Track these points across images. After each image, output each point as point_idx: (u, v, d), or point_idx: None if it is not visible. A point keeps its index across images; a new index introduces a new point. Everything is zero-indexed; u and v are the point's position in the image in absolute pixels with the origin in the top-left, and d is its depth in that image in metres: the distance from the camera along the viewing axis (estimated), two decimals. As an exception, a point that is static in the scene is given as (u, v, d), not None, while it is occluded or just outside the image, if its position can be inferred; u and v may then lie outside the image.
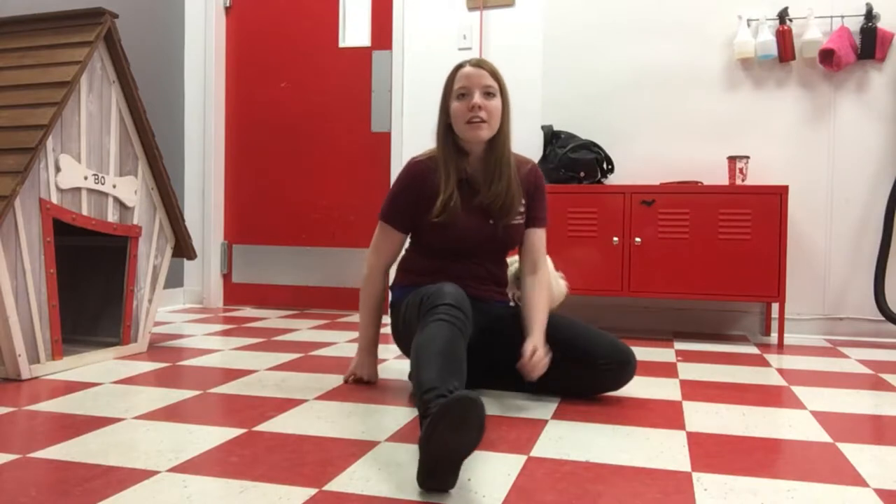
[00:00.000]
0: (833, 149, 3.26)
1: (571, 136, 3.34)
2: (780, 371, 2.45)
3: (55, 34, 2.36)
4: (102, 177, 2.40)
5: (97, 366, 2.35)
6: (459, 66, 1.99)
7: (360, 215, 3.89)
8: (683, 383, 2.22)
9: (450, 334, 1.59)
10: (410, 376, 2.13)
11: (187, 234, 2.77)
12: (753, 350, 2.88)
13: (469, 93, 1.95)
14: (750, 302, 3.23)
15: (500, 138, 2.01)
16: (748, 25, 3.29)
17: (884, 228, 3.15)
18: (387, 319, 2.64)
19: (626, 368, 1.93)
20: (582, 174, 3.23)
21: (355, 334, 3.10)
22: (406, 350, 2.05)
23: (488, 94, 1.95)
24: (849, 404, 1.99)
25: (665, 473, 1.39)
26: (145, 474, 1.34)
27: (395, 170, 3.76)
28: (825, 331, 3.29)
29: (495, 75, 1.98)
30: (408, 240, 2.17)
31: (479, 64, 1.97)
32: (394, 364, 2.44)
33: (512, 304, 2.19)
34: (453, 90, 1.98)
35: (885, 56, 3.19)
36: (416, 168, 2.01)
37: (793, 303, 3.30)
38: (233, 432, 1.62)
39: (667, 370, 2.42)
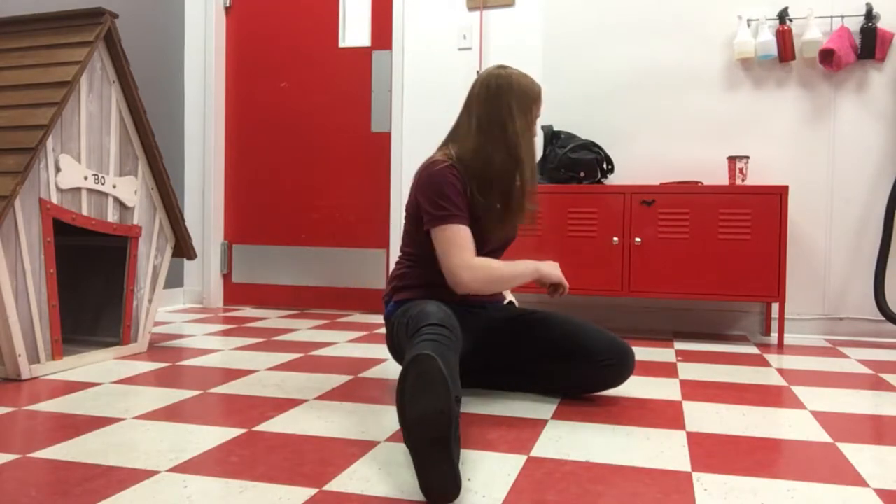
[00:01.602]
0: (833, 149, 3.26)
1: (571, 136, 3.34)
2: (780, 371, 2.45)
3: (55, 34, 2.36)
4: (102, 177, 2.40)
5: (97, 366, 2.35)
6: (540, 89, 2.03)
7: (360, 215, 3.89)
8: (683, 383, 2.22)
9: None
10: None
11: (187, 234, 2.77)
12: (753, 350, 2.88)
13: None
14: (750, 302, 3.23)
15: None
16: (748, 25, 3.29)
17: (884, 228, 3.15)
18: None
19: (624, 364, 1.93)
20: (582, 174, 3.23)
21: (355, 334, 3.10)
22: (400, 361, 2.05)
23: None
24: (849, 404, 1.99)
25: (665, 473, 1.39)
26: (145, 474, 1.34)
27: (395, 170, 3.76)
28: (825, 331, 3.29)
29: None
30: (396, 255, 2.14)
31: None
32: (394, 364, 2.44)
33: (506, 301, 2.19)
34: (536, 113, 2.01)
35: (885, 56, 3.19)
36: (455, 171, 1.93)
37: (793, 303, 3.30)
38: (233, 432, 1.62)
39: (667, 370, 2.42)
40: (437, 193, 1.90)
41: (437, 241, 1.90)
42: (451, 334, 1.61)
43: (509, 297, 2.32)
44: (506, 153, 1.95)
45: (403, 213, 3.80)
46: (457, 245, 1.87)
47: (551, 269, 2.01)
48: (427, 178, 1.92)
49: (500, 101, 1.96)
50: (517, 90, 1.97)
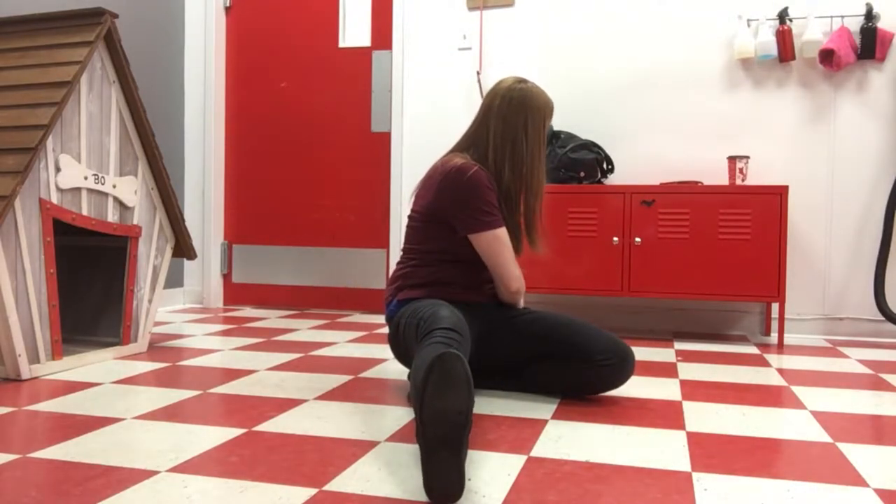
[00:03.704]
0: (833, 149, 3.26)
1: (571, 136, 3.34)
2: (780, 371, 2.45)
3: (55, 34, 2.36)
4: (102, 177, 2.41)
5: (97, 366, 2.35)
6: (553, 106, 2.07)
7: (360, 215, 3.90)
8: (683, 383, 2.22)
9: None
10: (410, 377, 2.14)
11: (187, 234, 2.77)
12: (753, 350, 2.88)
13: None
14: (750, 302, 3.23)
15: None
16: (748, 25, 3.29)
17: (884, 228, 3.15)
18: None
19: (624, 364, 1.93)
20: (582, 174, 3.23)
21: (355, 334, 3.10)
22: (404, 362, 2.05)
23: None
24: (849, 404, 1.99)
25: (665, 473, 1.39)
26: (145, 474, 1.34)
27: (395, 170, 3.76)
28: (825, 331, 3.29)
29: None
30: (396, 255, 2.17)
31: None
32: (394, 364, 2.44)
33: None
34: (547, 128, 2.05)
35: (885, 56, 3.19)
36: (484, 173, 1.95)
37: (793, 303, 3.30)
38: (233, 432, 1.62)
39: (667, 370, 2.42)
40: (479, 198, 1.93)
41: (487, 245, 1.96)
42: (463, 340, 1.62)
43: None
44: (511, 171, 2.00)
45: (404, 213, 3.80)
46: (510, 252, 1.99)
47: None
48: (465, 182, 1.92)
49: (517, 118, 2.00)
50: (534, 107, 2.02)
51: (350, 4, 3.91)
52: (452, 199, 1.94)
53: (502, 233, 1.97)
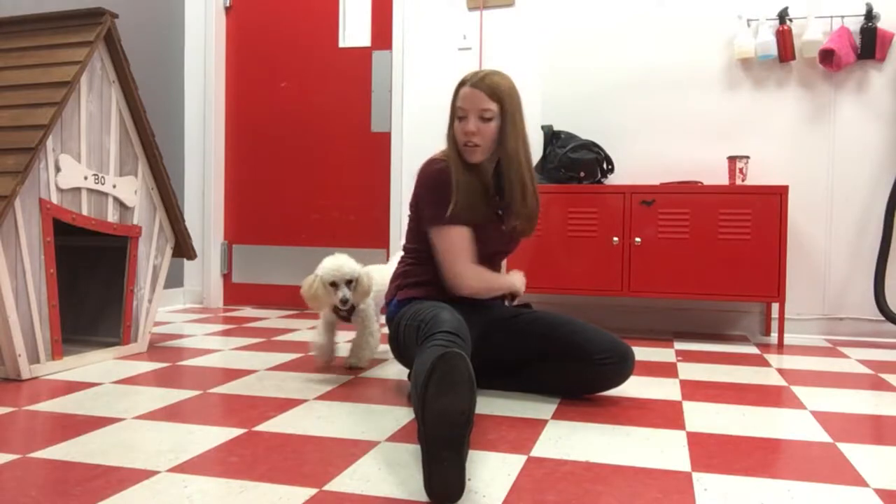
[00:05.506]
0: (833, 149, 3.26)
1: (571, 136, 3.34)
2: (780, 371, 2.45)
3: (55, 34, 2.36)
4: (102, 177, 2.40)
5: (97, 366, 2.35)
6: (462, 84, 1.93)
7: (360, 215, 3.89)
8: (683, 383, 2.22)
9: None
10: (410, 376, 2.14)
11: (187, 234, 2.77)
12: (753, 350, 2.88)
13: (466, 115, 1.90)
14: (750, 302, 3.23)
15: (508, 161, 1.95)
16: (748, 25, 3.29)
17: (884, 228, 3.15)
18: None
19: (624, 364, 1.93)
20: (582, 174, 3.23)
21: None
22: (403, 362, 2.04)
23: (483, 119, 1.89)
24: (849, 404, 1.99)
25: (665, 473, 1.39)
26: (145, 474, 1.34)
27: (395, 170, 3.76)
28: (825, 331, 3.29)
29: (495, 95, 1.89)
30: (399, 253, 2.17)
31: (478, 84, 1.90)
32: (394, 364, 2.44)
33: (507, 303, 2.19)
34: (455, 108, 1.94)
35: (885, 56, 3.19)
36: (445, 170, 1.93)
37: (793, 303, 3.30)
38: (233, 432, 1.62)
39: (667, 370, 2.42)
40: (435, 193, 1.93)
41: (435, 242, 1.95)
42: (464, 343, 1.62)
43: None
44: (452, 144, 1.98)
45: (404, 213, 3.80)
46: (454, 251, 1.92)
47: (521, 285, 2.15)
48: (426, 177, 1.97)
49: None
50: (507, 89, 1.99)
51: (350, 4, 3.91)
52: (414, 193, 2.01)
53: (451, 233, 1.91)
